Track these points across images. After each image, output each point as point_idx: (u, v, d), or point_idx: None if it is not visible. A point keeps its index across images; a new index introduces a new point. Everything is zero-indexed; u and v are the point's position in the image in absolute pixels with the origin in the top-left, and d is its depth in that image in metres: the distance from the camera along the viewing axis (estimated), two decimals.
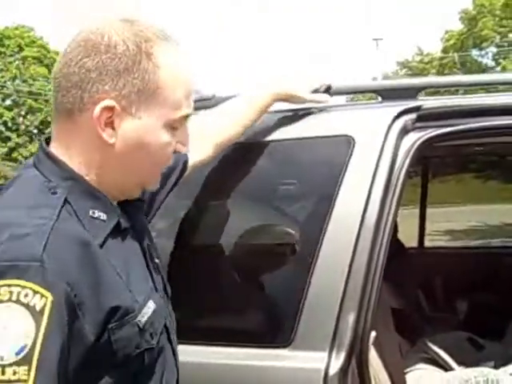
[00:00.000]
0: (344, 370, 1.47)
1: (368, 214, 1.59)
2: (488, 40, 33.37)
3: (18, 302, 0.94)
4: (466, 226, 13.35)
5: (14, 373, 0.92)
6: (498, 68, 30.70)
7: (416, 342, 2.67)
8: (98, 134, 1.09)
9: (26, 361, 0.92)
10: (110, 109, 1.08)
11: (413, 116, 1.69)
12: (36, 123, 34.50)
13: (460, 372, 2.25)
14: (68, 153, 1.12)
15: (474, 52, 34.43)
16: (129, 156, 1.12)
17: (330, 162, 1.71)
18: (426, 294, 3.70)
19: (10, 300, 0.93)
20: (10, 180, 1.15)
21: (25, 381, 0.92)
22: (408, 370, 2.39)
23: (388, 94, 1.85)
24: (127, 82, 1.09)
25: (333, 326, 1.51)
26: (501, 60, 31.03)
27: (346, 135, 1.70)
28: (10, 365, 0.92)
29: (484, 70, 31.94)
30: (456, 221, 13.92)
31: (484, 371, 2.16)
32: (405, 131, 1.68)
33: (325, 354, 1.49)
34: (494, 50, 34.40)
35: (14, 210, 1.04)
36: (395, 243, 3.90)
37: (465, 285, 3.55)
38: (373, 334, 1.53)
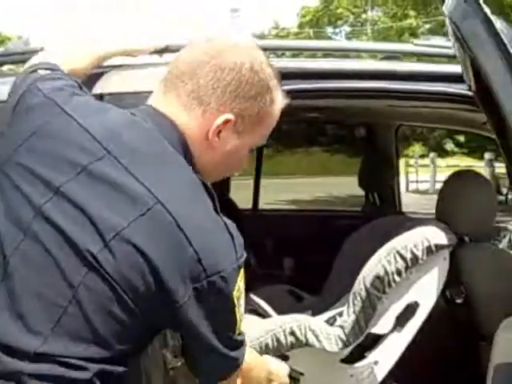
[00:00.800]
0: None
1: None
2: (342, 19, 34.53)
3: None
4: (312, 197, 13.87)
5: None
6: None
7: None
8: (207, 135, 1.26)
9: None
10: (228, 121, 1.26)
11: None
12: None
13: (276, 318, 2.38)
14: None
15: (329, 29, 35.52)
16: (214, 161, 1.29)
17: None
18: (255, 252, 3.84)
19: None
20: None
21: None
22: None
23: None
24: (250, 106, 1.27)
25: None
26: (353, 39, 32.18)
27: None
28: None
29: None
30: (303, 191, 14.45)
31: (298, 317, 2.30)
32: None
33: None
34: (347, 28, 35.67)
35: None
36: (226, 203, 4.02)
37: (293, 245, 3.72)
38: None
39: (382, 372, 2.24)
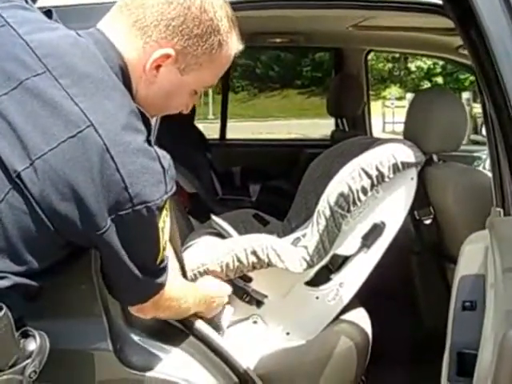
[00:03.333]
0: None
1: None
2: None
3: None
4: (286, 138, 13.79)
5: None
6: None
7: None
8: (145, 68, 1.26)
9: None
10: (167, 56, 1.25)
11: None
12: None
13: (238, 238, 2.31)
14: None
15: None
16: (152, 95, 1.29)
17: None
18: (222, 179, 3.78)
19: None
20: None
21: None
22: (192, 242, 2.42)
23: None
24: (193, 45, 1.25)
25: None
26: None
27: None
28: None
29: None
30: (278, 133, 14.35)
31: (260, 237, 2.23)
32: None
33: None
34: None
35: None
36: (194, 133, 3.93)
37: (261, 173, 3.66)
38: None
39: (348, 294, 2.19)
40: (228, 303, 2.02)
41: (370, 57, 3.97)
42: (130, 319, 1.64)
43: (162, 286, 1.35)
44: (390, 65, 21.10)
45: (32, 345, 1.24)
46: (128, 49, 1.25)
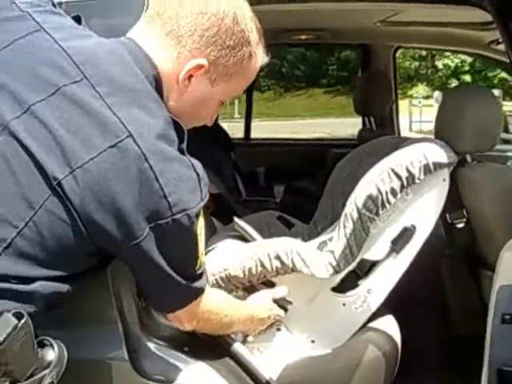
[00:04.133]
0: None
1: None
2: None
3: None
4: (311, 137, 13.72)
5: None
6: None
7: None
8: (178, 78, 1.26)
9: None
10: (200, 67, 1.25)
11: None
12: None
13: (261, 242, 2.22)
14: None
15: None
16: (182, 105, 1.28)
17: None
18: (246, 180, 3.70)
19: None
20: None
21: None
22: (214, 246, 2.34)
23: None
24: (226, 56, 1.26)
25: None
26: None
27: None
28: None
29: None
30: (304, 132, 14.27)
31: (284, 241, 2.14)
32: None
33: None
34: None
35: None
36: (218, 132, 3.86)
37: (286, 173, 3.58)
38: None
39: (376, 301, 2.09)
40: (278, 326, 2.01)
41: (397, 54, 3.86)
42: (147, 327, 1.58)
43: (201, 290, 1.36)
44: (416, 63, 20.88)
45: (50, 355, 1.21)
46: (162, 59, 1.25)
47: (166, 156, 1.16)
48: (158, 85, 1.25)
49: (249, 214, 2.85)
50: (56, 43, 1.20)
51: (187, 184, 1.19)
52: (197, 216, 1.21)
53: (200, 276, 1.33)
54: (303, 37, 3.44)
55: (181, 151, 1.21)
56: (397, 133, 3.69)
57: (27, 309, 1.14)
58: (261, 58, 1.34)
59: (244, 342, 2.00)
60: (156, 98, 1.23)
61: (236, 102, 13.22)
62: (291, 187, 3.68)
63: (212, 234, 2.66)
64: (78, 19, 1.36)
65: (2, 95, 1.16)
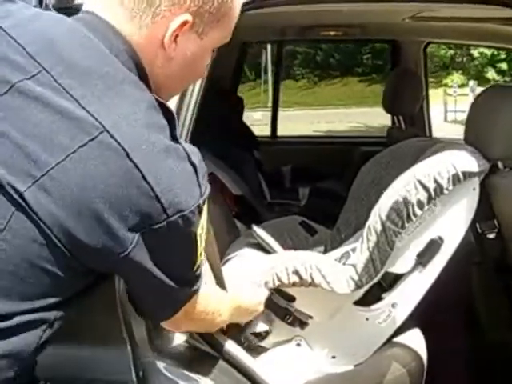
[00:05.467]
0: None
1: None
2: None
3: None
4: (346, 127, 13.59)
5: None
6: None
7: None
8: (162, 43, 1.08)
9: None
10: (185, 23, 1.07)
11: None
12: None
13: (280, 255, 2.14)
14: None
15: None
16: (173, 72, 1.13)
17: None
18: (271, 181, 3.62)
19: None
20: None
21: None
22: (233, 254, 2.27)
23: None
24: (208, 1, 1.08)
25: None
26: None
27: None
28: None
29: None
30: (338, 122, 14.14)
31: (304, 254, 2.05)
32: None
33: None
34: None
35: None
36: (242, 131, 3.78)
37: (312, 173, 3.49)
38: None
39: (401, 316, 2.00)
40: (263, 312, 1.87)
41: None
42: (156, 345, 1.52)
43: (196, 291, 1.21)
44: (451, 51, 20.50)
45: None
46: (134, 28, 1.07)
47: (154, 148, 0.99)
48: (135, 62, 1.07)
49: (272, 217, 2.78)
50: (6, 33, 1.03)
51: (182, 179, 1.01)
52: (199, 213, 1.05)
53: (197, 278, 1.18)
54: (332, 33, 3.33)
55: (173, 138, 1.03)
56: (428, 131, 3.56)
57: (8, 347, 1.00)
58: None
59: (260, 355, 1.94)
60: (133, 79, 1.05)
61: (270, 90, 13.15)
62: (316, 189, 3.58)
63: (235, 237, 2.59)
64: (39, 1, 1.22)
65: None
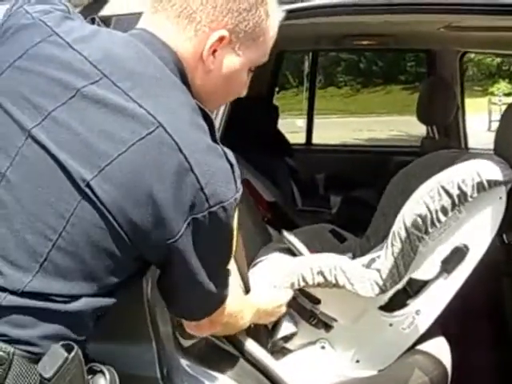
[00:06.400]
0: None
1: None
2: None
3: None
4: (387, 135, 13.49)
5: None
6: None
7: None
8: (202, 56, 1.20)
9: None
10: (222, 38, 1.18)
11: None
12: None
13: (306, 257, 2.18)
14: None
15: None
16: (211, 84, 1.23)
17: None
18: (303, 188, 3.65)
19: None
20: None
21: None
22: (262, 258, 2.31)
23: None
24: (244, 20, 1.19)
25: None
26: None
27: None
28: None
29: None
30: (380, 130, 14.05)
31: (329, 256, 2.09)
32: None
33: None
34: None
35: None
36: (276, 138, 3.82)
37: (345, 181, 3.51)
38: None
39: (425, 322, 2.01)
40: (285, 313, 1.93)
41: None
42: (181, 343, 1.57)
43: (226, 297, 1.29)
44: (498, 59, 20.21)
45: (102, 383, 1.18)
46: (179, 42, 1.20)
47: (200, 145, 1.11)
48: (180, 70, 1.20)
49: (303, 224, 2.81)
50: (70, 47, 1.16)
51: (222, 174, 1.12)
52: (233, 209, 1.15)
53: (227, 282, 1.28)
54: (365, 42, 3.36)
55: (213, 140, 1.15)
56: (463, 143, 3.55)
57: (74, 331, 1.11)
58: (277, 13, 1.27)
59: (284, 357, 1.98)
60: (180, 85, 1.18)
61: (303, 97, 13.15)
62: (348, 198, 3.60)
63: (267, 242, 2.63)
64: (93, 20, 1.35)
65: (21, 105, 1.13)
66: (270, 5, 1.24)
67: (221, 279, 1.24)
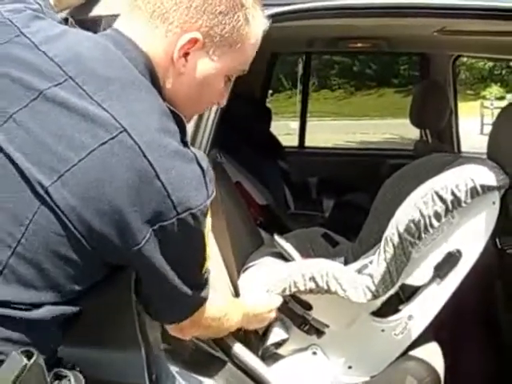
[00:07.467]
0: None
1: None
2: None
3: None
4: (380, 138, 13.52)
5: None
6: None
7: None
8: (173, 58, 1.15)
9: None
10: (194, 41, 1.14)
11: None
12: None
13: (298, 263, 2.16)
14: None
15: None
16: (183, 88, 1.18)
17: None
18: (296, 191, 3.63)
19: None
20: None
21: None
22: (253, 263, 2.29)
23: None
24: (219, 24, 1.14)
25: None
26: None
27: None
28: None
29: None
30: (373, 133, 14.07)
31: (321, 262, 2.07)
32: None
33: None
34: None
35: None
36: (268, 141, 3.80)
37: (338, 185, 3.50)
38: None
39: (417, 328, 2.00)
40: (276, 318, 1.91)
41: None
42: (170, 349, 1.54)
43: (205, 299, 1.28)
44: (490, 63, 20.28)
45: None
46: (149, 42, 1.16)
47: (167, 150, 1.07)
48: (150, 72, 1.15)
49: (296, 228, 2.79)
50: (36, 47, 1.13)
51: (191, 180, 1.09)
52: (204, 214, 1.12)
53: (205, 283, 1.25)
54: (359, 45, 3.35)
55: (184, 144, 1.12)
56: (456, 146, 3.54)
57: (38, 338, 1.09)
58: (261, 22, 1.21)
59: (275, 363, 1.96)
60: (149, 88, 1.14)
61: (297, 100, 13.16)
62: (341, 201, 3.59)
63: (259, 246, 2.61)
64: (66, 21, 1.31)
65: None
66: (250, 10, 1.18)
67: (196, 281, 1.22)
